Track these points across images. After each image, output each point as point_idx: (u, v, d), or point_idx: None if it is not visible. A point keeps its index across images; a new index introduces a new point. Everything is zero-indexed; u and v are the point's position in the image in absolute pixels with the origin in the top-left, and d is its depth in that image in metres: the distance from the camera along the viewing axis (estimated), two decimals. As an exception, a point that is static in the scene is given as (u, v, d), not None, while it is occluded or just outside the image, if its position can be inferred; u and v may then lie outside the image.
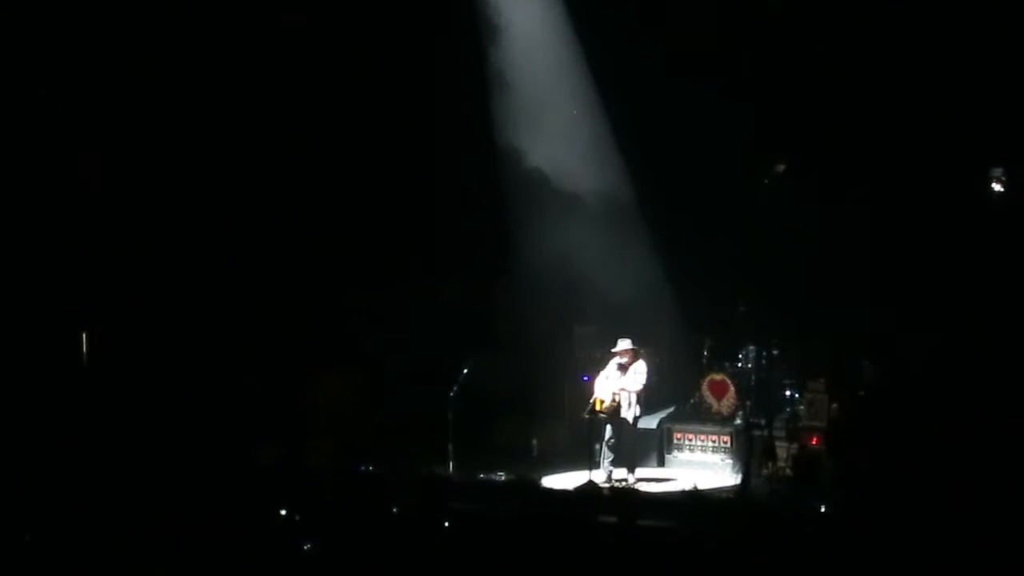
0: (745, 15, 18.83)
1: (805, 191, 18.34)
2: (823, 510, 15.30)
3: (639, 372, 18.02)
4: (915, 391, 16.65)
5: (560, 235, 20.17)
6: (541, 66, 20.55)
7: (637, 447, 18.26)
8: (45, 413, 18.53)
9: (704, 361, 19.31)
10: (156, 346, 19.66)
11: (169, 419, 18.71)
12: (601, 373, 18.16)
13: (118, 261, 19.68)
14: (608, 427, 18.01)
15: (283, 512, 13.04)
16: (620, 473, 17.95)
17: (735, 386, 18.87)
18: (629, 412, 17.94)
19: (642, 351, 18.50)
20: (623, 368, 18.04)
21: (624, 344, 18.15)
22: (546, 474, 17.96)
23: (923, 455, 15.11)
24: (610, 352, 18.24)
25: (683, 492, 16.25)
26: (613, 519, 12.62)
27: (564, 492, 16.80)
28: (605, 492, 16.85)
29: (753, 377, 18.87)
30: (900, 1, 18.15)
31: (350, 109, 20.17)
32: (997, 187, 17.67)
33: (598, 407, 17.93)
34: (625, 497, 16.07)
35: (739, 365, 19.07)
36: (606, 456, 18.02)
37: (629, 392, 17.95)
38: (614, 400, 17.91)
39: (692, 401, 19.34)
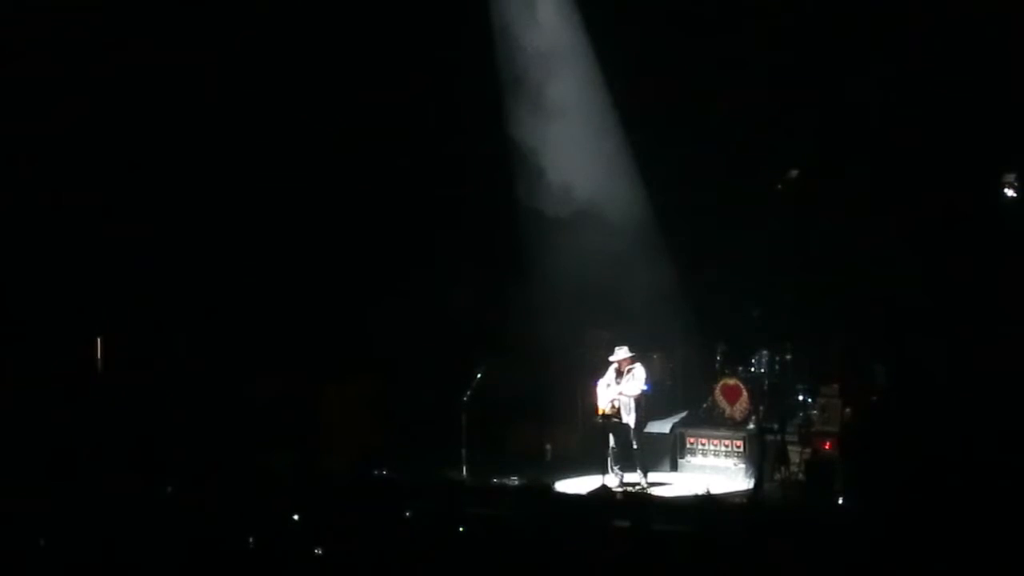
0: (759, 25, 18.84)
1: (818, 196, 18.34)
2: (836, 515, 15.34)
3: (636, 377, 18.04)
4: (928, 395, 16.65)
5: (574, 240, 20.20)
6: (557, 75, 20.62)
7: (646, 451, 18.26)
8: (58, 420, 18.62)
9: (717, 365, 19.32)
10: (169, 353, 19.71)
11: (182, 426, 18.78)
12: (601, 381, 18.20)
13: (131, 268, 19.73)
14: (611, 434, 18.05)
15: (296, 517, 13.08)
16: (632, 477, 17.98)
17: (748, 391, 18.87)
18: (630, 417, 17.97)
19: (650, 355, 18.55)
20: (620, 374, 18.08)
21: (621, 353, 18.17)
22: (560, 478, 17.99)
23: (937, 459, 15.13)
24: (608, 360, 18.27)
25: (696, 497, 16.26)
26: (626, 523, 12.65)
27: (577, 496, 16.89)
28: (618, 496, 16.95)
29: (766, 382, 18.86)
30: (915, 6, 18.15)
31: (367, 115, 20.21)
32: (1010, 192, 17.67)
33: (600, 413, 18.02)
34: (638, 501, 16.13)
35: (752, 369, 19.06)
36: (616, 462, 18.05)
37: (628, 397, 17.98)
38: (613, 406, 17.96)
39: (705, 406, 19.34)
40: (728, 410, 19.03)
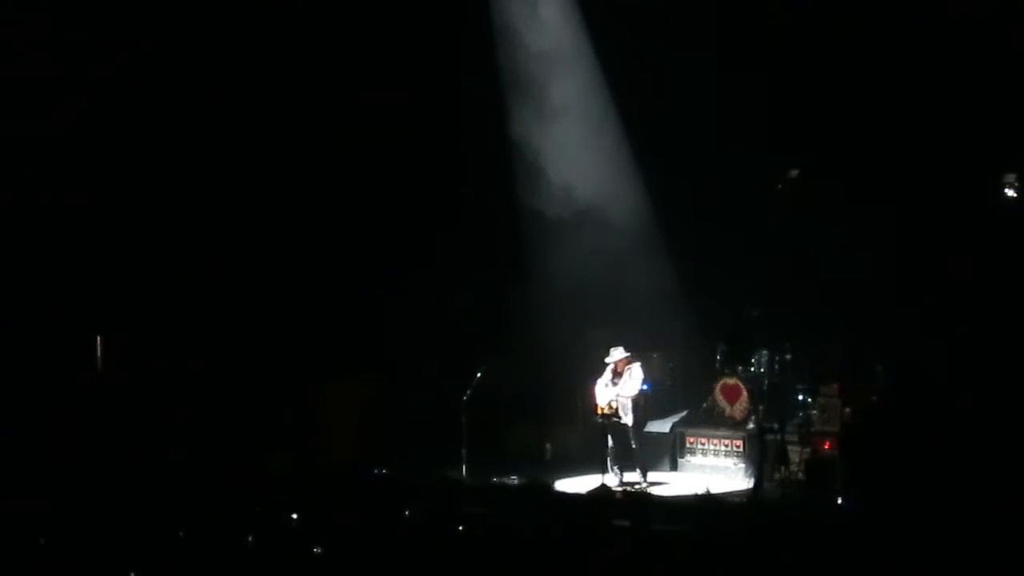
0: (759, 26, 18.85)
1: (818, 196, 18.34)
2: (835, 514, 15.34)
3: (634, 377, 18.06)
4: (928, 396, 16.65)
5: (574, 240, 20.21)
6: (557, 74, 20.63)
7: (645, 450, 18.26)
8: (58, 417, 18.63)
9: (717, 365, 19.32)
10: (170, 351, 19.72)
11: (183, 424, 18.79)
12: (599, 381, 18.20)
13: (131, 268, 19.73)
14: (610, 434, 18.06)
15: (296, 517, 13.09)
16: (632, 477, 17.99)
17: (748, 390, 18.86)
18: (628, 417, 17.99)
19: (650, 355, 18.56)
20: (617, 375, 18.08)
21: (617, 354, 18.18)
22: (559, 478, 17.99)
23: (937, 459, 15.14)
24: (604, 362, 18.27)
25: (696, 496, 16.25)
26: (626, 523, 12.66)
27: (577, 496, 16.88)
28: (618, 496, 16.95)
29: (766, 381, 18.85)
30: (916, 7, 18.15)
31: (368, 115, 20.22)
32: (1010, 192, 17.67)
33: (599, 412, 18.03)
34: (638, 501, 16.13)
35: (752, 369, 19.06)
36: (615, 461, 18.06)
37: (626, 398, 17.98)
38: (611, 407, 17.97)
39: (705, 405, 19.34)
40: (728, 410, 19.02)
